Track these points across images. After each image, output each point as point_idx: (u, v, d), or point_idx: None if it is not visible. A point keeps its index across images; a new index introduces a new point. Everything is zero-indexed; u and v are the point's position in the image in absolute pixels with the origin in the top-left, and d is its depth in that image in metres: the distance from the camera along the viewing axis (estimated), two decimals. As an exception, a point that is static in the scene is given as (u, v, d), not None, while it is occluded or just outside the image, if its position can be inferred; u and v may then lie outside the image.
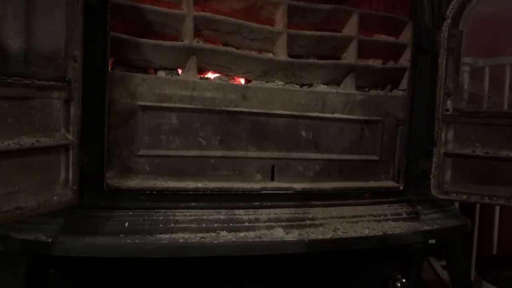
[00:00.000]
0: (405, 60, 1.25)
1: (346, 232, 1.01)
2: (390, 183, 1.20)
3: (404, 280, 1.12)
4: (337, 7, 1.20)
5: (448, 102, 1.11)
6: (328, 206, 1.10)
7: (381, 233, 1.03)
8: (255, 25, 1.11)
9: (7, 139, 0.70)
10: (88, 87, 0.86)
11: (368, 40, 1.22)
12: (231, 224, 0.97)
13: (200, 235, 0.92)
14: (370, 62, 1.37)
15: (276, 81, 1.15)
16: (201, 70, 1.10)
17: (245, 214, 1.00)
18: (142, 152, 0.99)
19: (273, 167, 1.09)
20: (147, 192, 0.95)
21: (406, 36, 1.25)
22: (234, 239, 0.92)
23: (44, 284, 0.92)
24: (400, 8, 1.28)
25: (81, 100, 0.84)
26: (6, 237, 0.84)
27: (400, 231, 1.07)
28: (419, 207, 1.17)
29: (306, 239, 0.96)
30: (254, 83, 1.13)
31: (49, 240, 0.83)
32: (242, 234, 0.95)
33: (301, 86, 1.18)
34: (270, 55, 1.16)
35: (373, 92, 1.23)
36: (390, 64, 1.31)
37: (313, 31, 1.19)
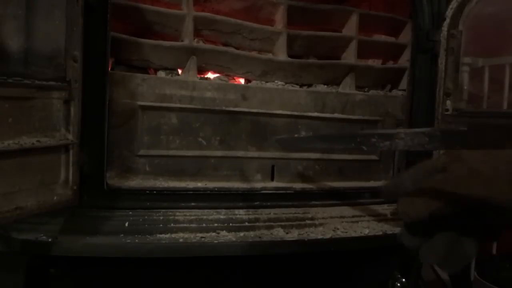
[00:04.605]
0: (404, 60, 1.25)
1: (346, 232, 1.01)
2: (390, 183, 1.20)
3: (404, 280, 1.12)
4: (337, 7, 1.20)
5: (448, 102, 1.11)
6: (328, 206, 1.10)
7: (381, 233, 1.03)
8: (255, 25, 1.11)
9: (7, 139, 0.70)
10: (88, 87, 0.86)
11: (367, 40, 1.22)
12: (231, 224, 0.97)
13: (200, 235, 0.92)
14: (370, 62, 1.37)
15: (276, 81, 1.15)
16: (201, 70, 1.10)
17: (245, 214, 1.00)
18: (142, 152, 0.99)
19: (273, 167, 1.09)
20: (147, 192, 0.96)
21: (406, 36, 1.25)
22: (234, 239, 0.92)
23: (44, 284, 0.92)
24: (400, 8, 1.28)
25: (81, 100, 0.84)
26: (6, 237, 0.84)
27: (400, 231, 1.06)
28: (419, 207, 1.17)
29: (306, 239, 0.96)
30: (254, 83, 1.14)
31: (49, 240, 0.83)
32: (242, 234, 0.95)
33: (301, 86, 1.18)
34: (270, 55, 1.16)
35: (372, 92, 1.23)
36: (390, 64, 1.31)
37: (313, 31, 1.19)
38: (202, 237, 0.91)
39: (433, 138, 0.54)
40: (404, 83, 1.24)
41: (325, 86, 1.20)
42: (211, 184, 1.02)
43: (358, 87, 1.21)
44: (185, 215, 0.96)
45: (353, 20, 1.20)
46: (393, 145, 0.60)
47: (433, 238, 0.56)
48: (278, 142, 1.04)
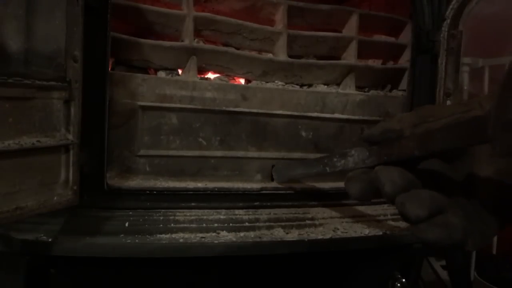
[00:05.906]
0: (405, 60, 1.25)
1: (346, 232, 1.01)
2: (390, 183, 1.20)
3: (404, 280, 1.12)
4: (337, 7, 1.20)
5: (448, 102, 1.12)
6: (328, 206, 1.10)
7: (381, 233, 1.03)
8: (255, 25, 1.11)
9: (7, 139, 0.70)
10: (89, 87, 0.86)
11: (368, 41, 1.22)
12: (231, 224, 0.97)
13: (200, 235, 0.92)
14: (370, 62, 1.37)
15: (276, 81, 1.15)
16: (201, 70, 1.10)
17: (245, 214, 1.00)
18: (142, 152, 0.99)
19: (273, 167, 1.09)
20: (147, 192, 0.96)
21: (406, 37, 1.25)
22: (234, 239, 0.92)
23: (44, 284, 0.92)
24: (400, 8, 1.28)
25: (81, 100, 0.84)
26: (6, 237, 0.84)
27: (400, 231, 1.07)
28: (419, 207, 1.17)
29: (306, 239, 0.96)
30: (254, 83, 1.14)
31: (50, 240, 0.83)
32: (242, 234, 0.95)
33: (301, 86, 1.18)
34: (270, 55, 1.16)
35: (373, 92, 1.23)
36: (390, 64, 1.31)
37: (313, 31, 1.19)
38: (202, 237, 0.91)
39: (371, 151, 0.54)
40: (404, 83, 1.24)
41: (325, 86, 1.20)
42: (211, 184, 1.02)
43: (358, 87, 1.21)
44: (185, 215, 0.96)
45: (353, 20, 1.20)
46: (345, 163, 0.61)
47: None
48: (274, 172, 1.08)
